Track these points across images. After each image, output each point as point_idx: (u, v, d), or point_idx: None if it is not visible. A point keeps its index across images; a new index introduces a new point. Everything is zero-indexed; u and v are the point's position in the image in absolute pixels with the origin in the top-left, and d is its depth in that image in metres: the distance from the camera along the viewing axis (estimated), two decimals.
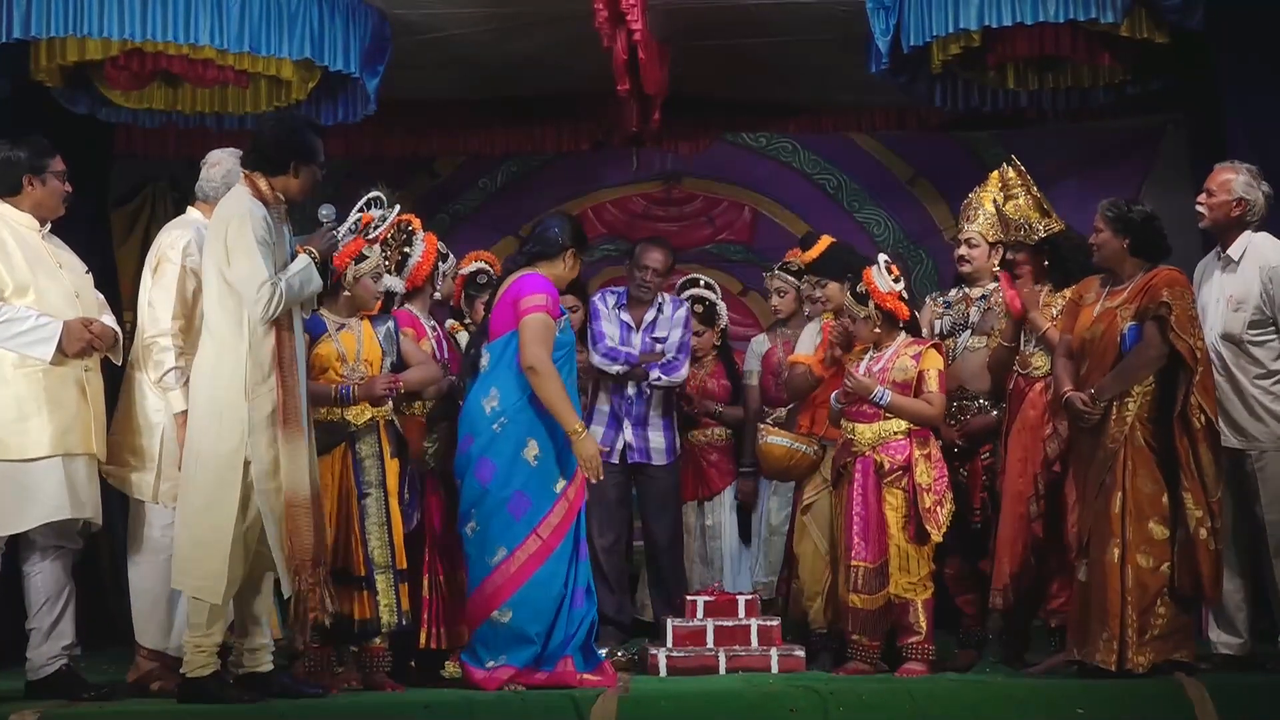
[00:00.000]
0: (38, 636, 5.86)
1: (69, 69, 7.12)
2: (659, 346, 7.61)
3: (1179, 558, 5.84)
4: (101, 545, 7.86)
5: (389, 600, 5.96)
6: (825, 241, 6.95)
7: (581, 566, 6.07)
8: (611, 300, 7.74)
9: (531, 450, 6.00)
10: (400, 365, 6.20)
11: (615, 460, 7.52)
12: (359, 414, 6.02)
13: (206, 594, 5.45)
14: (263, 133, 5.75)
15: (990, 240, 6.68)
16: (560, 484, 6.01)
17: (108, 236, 8.44)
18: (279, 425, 5.44)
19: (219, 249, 5.50)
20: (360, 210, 6.14)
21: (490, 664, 5.95)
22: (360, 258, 6.12)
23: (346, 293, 6.13)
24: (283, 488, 5.43)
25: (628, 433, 7.59)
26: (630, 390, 7.59)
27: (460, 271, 7.02)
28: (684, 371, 7.59)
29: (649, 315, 7.68)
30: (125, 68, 7.09)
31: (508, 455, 5.98)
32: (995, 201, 6.50)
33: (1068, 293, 6.30)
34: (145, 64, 7.04)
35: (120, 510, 6.42)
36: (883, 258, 6.41)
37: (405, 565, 6.05)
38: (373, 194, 6.25)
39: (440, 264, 6.64)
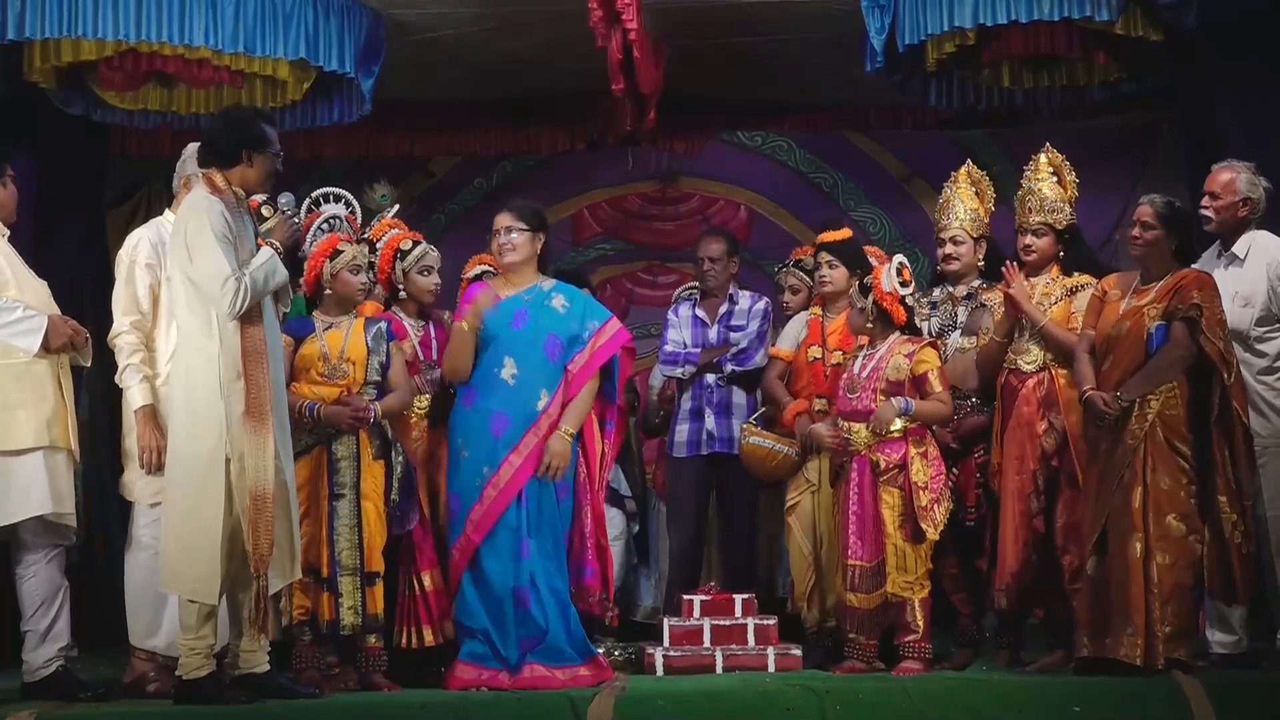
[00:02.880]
0: (34, 639, 5.86)
1: (63, 70, 7.12)
2: (734, 336, 7.50)
3: (1211, 560, 5.85)
4: (98, 546, 7.87)
5: (353, 603, 5.95)
6: (847, 231, 7.02)
7: (523, 565, 6.05)
8: (685, 307, 7.65)
9: (460, 453, 6.13)
10: (386, 370, 6.17)
11: (702, 451, 7.40)
12: None
13: (201, 595, 5.43)
14: (212, 128, 5.76)
15: (974, 236, 6.69)
16: (482, 477, 6.06)
17: (104, 237, 8.44)
18: (248, 420, 5.43)
19: (180, 249, 5.50)
20: (308, 209, 6.23)
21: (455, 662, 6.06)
22: (335, 253, 6.12)
23: (328, 290, 6.13)
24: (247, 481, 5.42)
25: (710, 422, 7.39)
26: (710, 379, 7.45)
27: (464, 275, 7.00)
28: (757, 359, 7.33)
29: (722, 308, 7.55)
30: (120, 68, 7.09)
31: (450, 460, 6.20)
32: (1030, 183, 6.45)
33: (1069, 282, 6.33)
34: (140, 65, 7.04)
35: (119, 511, 6.43)
36: (899, 258, 6.41)
37: (380, 568, 6.02)
38: (323, 190, 6.36)
39: (398, 261, 6.49)
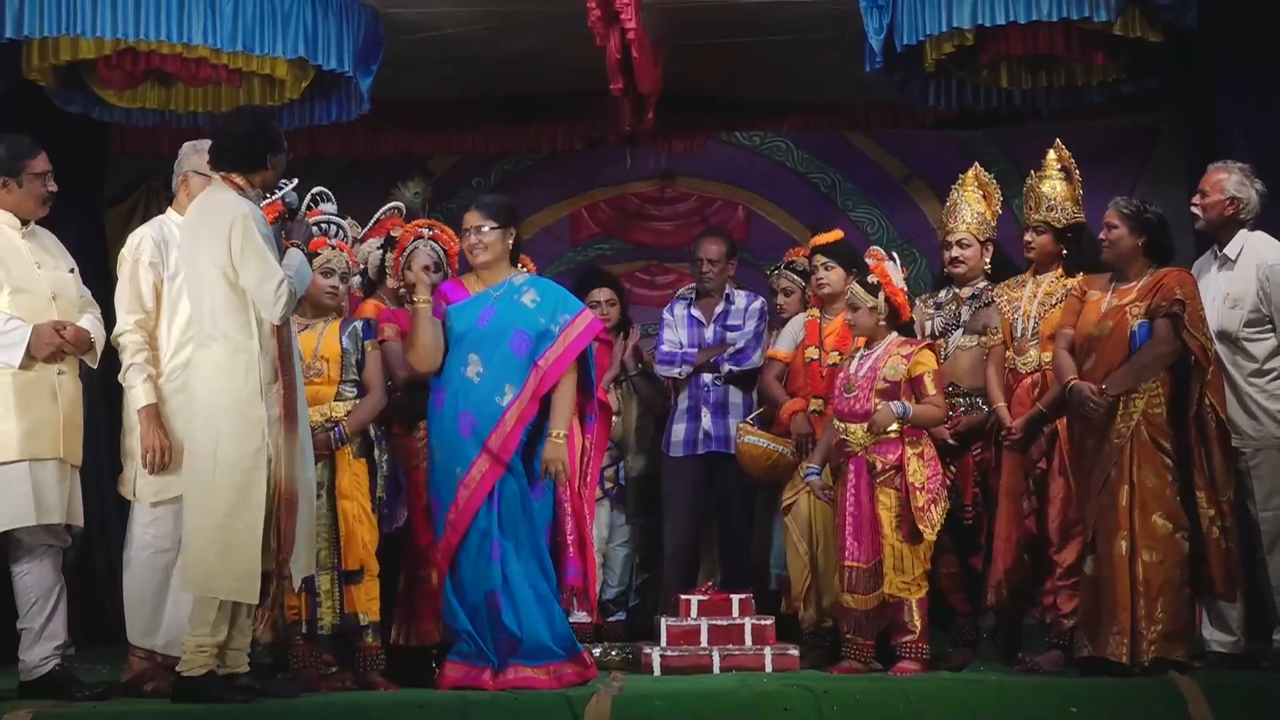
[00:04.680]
0: (29, 637, 5.85)
1: (62, 68, 7.11)
2: (730, 336, 7.50)
3: (1194, 556, 5.87)
4: (96, 545, 7.86)
5: (331, 601, 5.95)
6: (839, 232, 7.03)
7: (494, 568, 5.96)
8: (680, 306, 7.65)
9: (435, 454, 6.08)
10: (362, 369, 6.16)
11: (698, 451, 7.40)
12: (314, 414, 5.96)
13: (240, 594, 5.40)
14: (229, 132, 5.63)
15: (981, 239, 6.71)
16: (455, 477, 5.99)
17: (103, 235, 8.44)
18: (282, 421, 5.44)
19: (220, 252, 5.40)
20: (307, 206, 6.19)
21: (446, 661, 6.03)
22: (310, 255, 6.10)
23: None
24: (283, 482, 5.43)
25: (706, 421, 7.40)
26: (707, 378, 7.45)
27: None
28: (755, 359, 7.35)
29: (718, 307, 7.57)
30: (118, 67, 7.08)
31: (429, 461, 6.16)
32: (1034, 180, 6.48)
33: (1070, 283, 6.33)
34: (138, 63, 7.04)
35: (118, 510, 6.41)
36: (894, 256, 6.43)
37: (359, 566, 5.99)
38: (317, 189, 6.32)
39: (386, 252, 6.50)
